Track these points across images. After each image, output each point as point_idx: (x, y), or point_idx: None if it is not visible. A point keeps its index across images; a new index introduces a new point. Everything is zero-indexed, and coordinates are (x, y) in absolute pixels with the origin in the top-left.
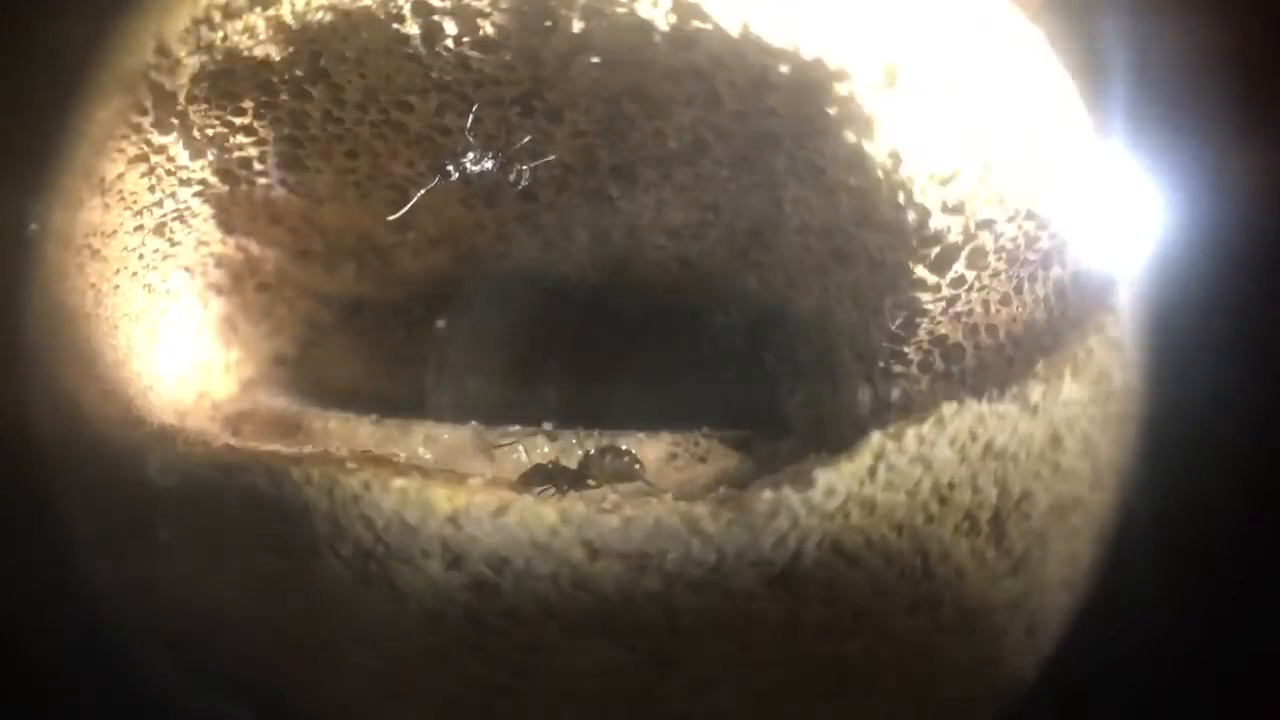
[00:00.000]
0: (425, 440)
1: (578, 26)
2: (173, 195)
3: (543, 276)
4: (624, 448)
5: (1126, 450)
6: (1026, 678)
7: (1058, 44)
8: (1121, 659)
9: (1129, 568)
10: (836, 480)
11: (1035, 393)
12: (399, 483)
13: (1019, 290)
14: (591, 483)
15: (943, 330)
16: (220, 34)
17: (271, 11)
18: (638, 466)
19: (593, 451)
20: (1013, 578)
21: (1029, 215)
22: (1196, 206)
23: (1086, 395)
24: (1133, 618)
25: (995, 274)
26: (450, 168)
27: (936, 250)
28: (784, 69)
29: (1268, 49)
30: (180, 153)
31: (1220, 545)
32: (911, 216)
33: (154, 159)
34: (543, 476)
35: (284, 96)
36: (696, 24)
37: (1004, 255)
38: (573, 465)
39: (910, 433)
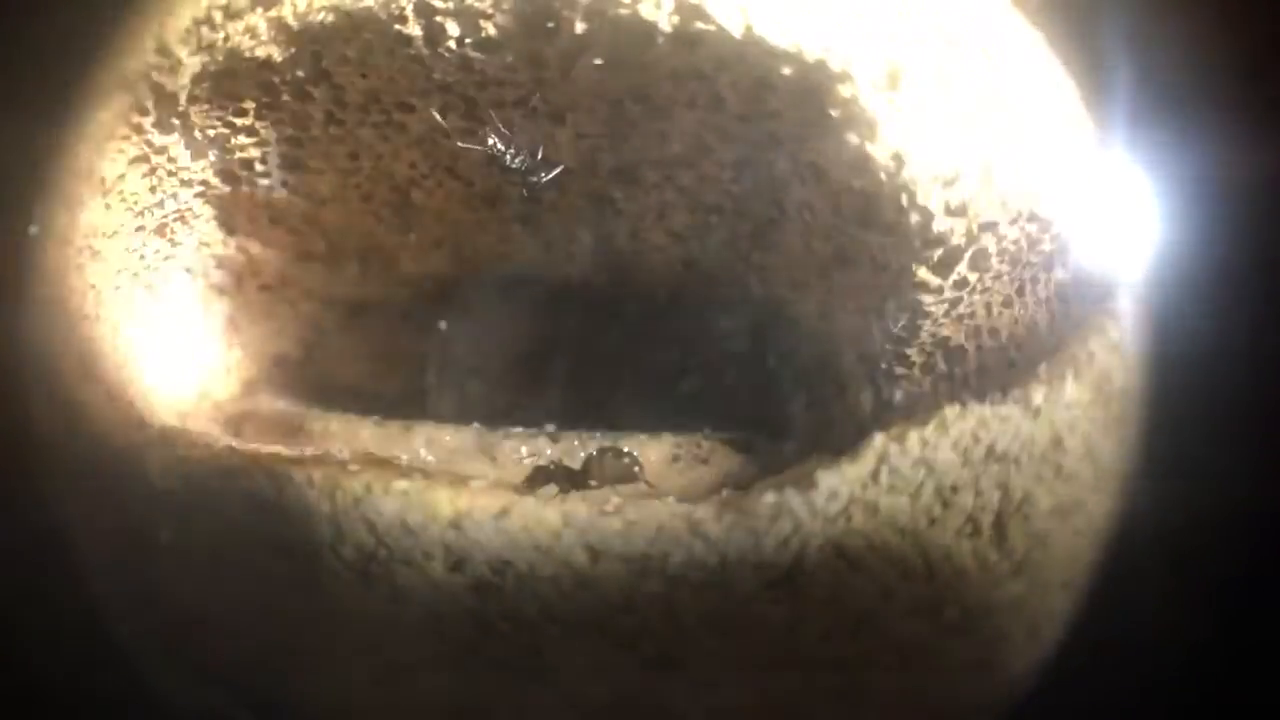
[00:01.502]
0: (427, 442)
1: (580, 28)
2: (174, 196)
3: (545, 278)
4: (625, 449)
5: (1127, 452)
6: (1027, 679)
7: (1058, 46)
8: (1122, 660)
9: (1129, 569)
10: (839, 483)
11: (1038, 395)
12: (401, 485)
13: (1021, 292)
14: (593, 483)
15: (945, 332)
16: (222, 34)
17: (273, 12)
18: (638, 468)
19: (594, 453)
20: (1014, 580)
21: (1031, 217)
22: (1196, 208)
23: (1088, 397)
24: (1133, 619)
25: (997, 276)
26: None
27: (939, 252)
28: (787, 71)
29: (1267, 50)
30: (181, 153)
31: (1221, 546)
32: (914, 219)
33: (155, 159)
34: (544, 477)
35: (286, 97)
36: (699, 25)
37: (1006, 257)
38: (575, 467)
39: (913, 435)
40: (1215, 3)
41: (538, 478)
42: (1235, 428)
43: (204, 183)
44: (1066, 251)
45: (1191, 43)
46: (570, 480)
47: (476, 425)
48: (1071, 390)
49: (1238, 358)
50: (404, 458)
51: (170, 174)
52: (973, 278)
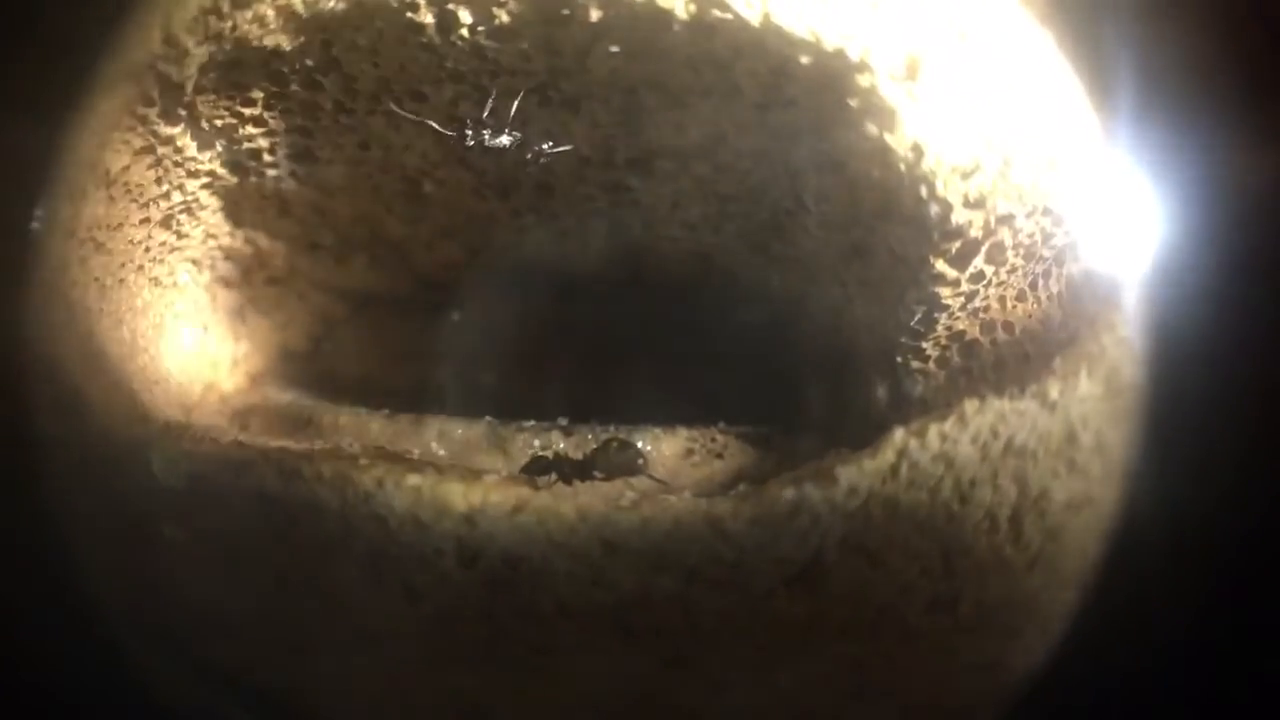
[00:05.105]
0: (439, 435)
1: (595, 15)
2: (180, 187)
3: (558, 269)
4: (630, 440)
5: (1134, 447)
6: (1037, 675)
7: (1064, 44)
8: (1124, 657)
9: (1131, 565)
10: (859, 478)
11: (1054, 390)
12: (413, 480)
13: (1034, 287)
14: (597, 474)
15: (960, 326)
16: (229, 23)
17: (282, 0)
18: (641, 460)
19: (599, 444)
20: (1029, 575)
21: (1046, 211)
22: (1200, 204)
23: (1099, 392)
24: (1134, 615)
25: (1013, 270)
26: (469, 134)
27: (958, 245)
28: (805, 60)
29: (1269, 51)
30: (188, 144)
31: (1222, 543)
32: (933, 210)
33: (161, 150)
34: (543, 466)
35: (295, 87)
36: (716, 13)
37: (1021, 251)
38: (579, 457)
39: (933, 430)
40: (1217, 5)
41: (535, 467)
42: (1238, 424)
43: (211, 174)
44: (1078, 246)
45: (1195, 43)
46: (574, 470)
47: (488, 419)
48: (1085, 384)
49: (1243, 352)
50: (415, 452)
51: (176, 165)
52: (989, 271)
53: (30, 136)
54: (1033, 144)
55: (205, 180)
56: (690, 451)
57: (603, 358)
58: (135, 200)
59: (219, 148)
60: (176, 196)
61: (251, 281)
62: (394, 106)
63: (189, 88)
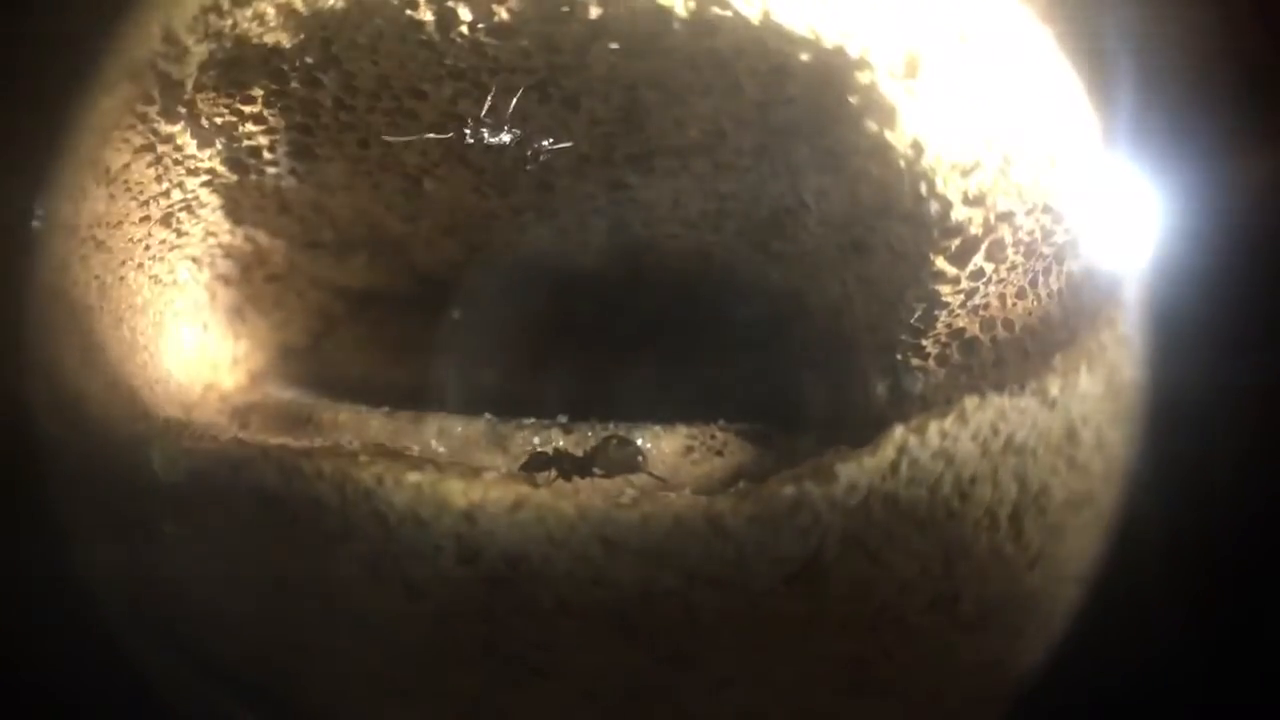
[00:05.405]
0: (438, 433)
1: (595, 12)
2: (180, 185)
3: (558, 267)
4: (630, 437)
5: (1133, 445)
6: (1037, 673)
7: (1064, 42)
8: (1124, 657)
9: (1131, 565)
10: (859, 475)
11: (1054, 387)
12: (413, 477)
13: (1034, 284)
14: (597, 472)
15: (960, 323)
16: (229, 21)
17: None
18: (640, 457)
19: (598, 441)
20: (1029, 573)
21: (1045, 209)
22: (1201, 205)
23: (1099, 390)
24: (1134, 615)
25: (1012, 267)
26: (468, 132)
27: (957, 242)
28: (805, 57)
29: (1269, 51)
30: (188, 142)
31: (1222, 543)
32: (933, 207)
33: (161, 148)
34: (544, 463)
35: (294, 84)
36: (716, 11)
37: (1021, 248)
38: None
39: (933, 427)
40: (1218, 3)
41: (535, 464)
42: (1238, 424)
43: (211, 171)
44: (1077, 244)
45: (1195, 43)
46: (574, 468)
47: (488, 416)
48: (1085, 382)
49: (1243, 352)
50: (415, 449)
51: (176, 163)
52: (989, 268)
53: (31, 134)
54: (1032, 141)
55: (205, 178)
56: (690, 449)
57: (602, 355)
58: (135, 198)
59: (219, 145)
60: (176, 194)
61: (251, 279)
62: (386, 138)
63: (189, 85)
